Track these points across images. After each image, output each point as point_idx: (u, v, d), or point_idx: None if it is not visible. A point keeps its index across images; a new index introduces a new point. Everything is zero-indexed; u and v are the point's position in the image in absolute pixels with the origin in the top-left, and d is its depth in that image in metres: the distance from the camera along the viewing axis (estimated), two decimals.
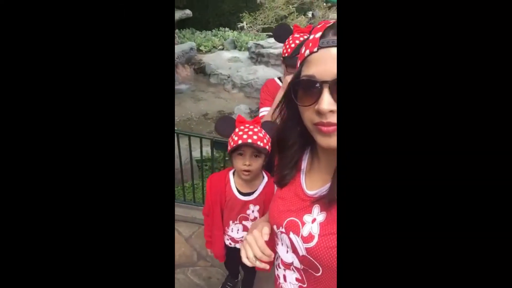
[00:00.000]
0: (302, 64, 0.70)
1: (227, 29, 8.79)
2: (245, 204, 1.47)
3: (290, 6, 9.02)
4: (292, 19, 8.91)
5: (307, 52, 0.67)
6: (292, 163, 0.82)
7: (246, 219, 1.50)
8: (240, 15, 9.01)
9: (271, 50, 6.58)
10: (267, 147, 1.32)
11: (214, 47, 7.68)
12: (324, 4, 9.70)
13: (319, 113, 0.63)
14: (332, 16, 9.19)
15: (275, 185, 0.89)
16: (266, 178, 1.53)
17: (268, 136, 1.34)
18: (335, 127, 0.63)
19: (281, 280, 0.84)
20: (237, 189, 1.49)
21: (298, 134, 0.80)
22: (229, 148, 1.35)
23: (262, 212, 1.46)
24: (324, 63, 0.63)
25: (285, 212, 0.80)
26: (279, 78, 1.71)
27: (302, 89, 0.67)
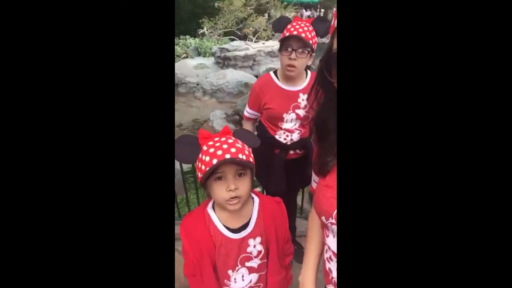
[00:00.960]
0: (333, 37, 0.64)
1: (187, 36, 8.64)
2: (243, 242, 1.08)
3: (248, 8, 9.05)
4: (252, 21, 8.94)
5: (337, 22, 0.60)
6: (334, 148, 0.73)
7: (250, 259, 1.11)
8: (200, 21, 8.91)
9: (237, 53, 6.53)
10: (250, 159, 0.98)
11: (177, 55, 7.50)
12: (280, 3, 9.84)
13: None
14: (288, 15, 9.33)
15: (317, 175, 0.83)
16: (257, 199, 1.14)
17: (247, 146, 1.01)
18: None
19: (334, 274, 0.78)
20: (225, 226, 1.06)
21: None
22: (199, 175, 0.96)
23: (265, 242, 1.11)
24: None
25: (334, 200, 0.73)
26: (275, 72, 1.63)
27: (335, 63, 0.59)
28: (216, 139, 1.00)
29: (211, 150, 0.95)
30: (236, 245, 1.08)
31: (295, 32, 1.45)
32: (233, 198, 0.98)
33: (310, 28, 1.50)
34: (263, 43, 7.20)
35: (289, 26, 1.49)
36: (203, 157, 0.96)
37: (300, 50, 1.45)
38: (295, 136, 1.64)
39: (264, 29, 8.80)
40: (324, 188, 0.77)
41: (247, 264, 1.11)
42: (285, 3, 10.05)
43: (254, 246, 1.11)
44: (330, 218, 0.73)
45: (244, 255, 1.10)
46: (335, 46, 0.61)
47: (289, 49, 1.46)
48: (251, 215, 1.11)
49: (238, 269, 1.10)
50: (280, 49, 1.51)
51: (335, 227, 0.72)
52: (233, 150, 0.95)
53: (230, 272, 1.09)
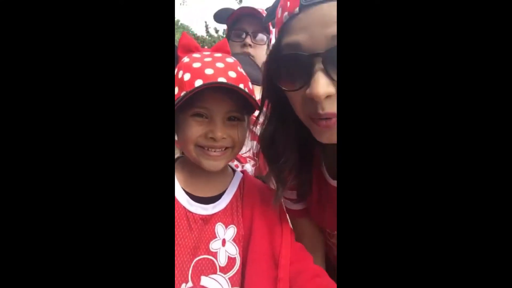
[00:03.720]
0: (281, 32, 0.53)
1: None
2: (207, 224, 0.64)
3: None
4: None
5: (286, 15, 0.50)
6: (286, 169, 0.63)
7: (212, 266, 0.62)
8: None
9: None
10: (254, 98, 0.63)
11: None
12: None
13: (312, 99, 0.48)
14: None
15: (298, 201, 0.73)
16: (239, 174, 0.74)
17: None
18: (335, 119, 0.49)
19: None
20: (186, 192, 0.66)
21: (293, 131, 0.60)
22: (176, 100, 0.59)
23: (242, 239, 0.65)
24: (312, 29, 0.47)
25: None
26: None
27: (285, 68, 0.51)
28: (207, 53, 0.65)
29: (196, 64, 0.60)
30: (196, 228, 0.62)
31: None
32: (213, 147, 0.62)
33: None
34: None
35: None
36: (180, 73, 0.60)
37: (258, 35, 1.22)
38: (248, 168, 1.08)
39: None
40: (317, 205, 0.70)
41: (204, 276, 0.60)
42: None
43: (224, 241, 0.63)
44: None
45: (204, 256, 0.61)
46: (285, 42, 0.51)
47: (242, 34, 1.23)
48: (227, 187, 0.69)
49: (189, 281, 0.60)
50: (228, 36, 1.24)
51: None
52: (232, 74, 0.59)
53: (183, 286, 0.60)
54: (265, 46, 1.24)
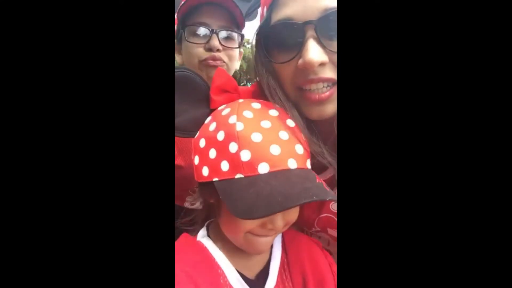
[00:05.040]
0: (270, 9, 0.52)
1: None
2: None
3: None
4: None
5: None
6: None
7: None
8: None
9: None
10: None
11: None
12: None
13: (304, 69, 0.48)
14: None
15: None
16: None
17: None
18: (331, 91, 0.50)
19: None
20: (239, 273, 0.57)
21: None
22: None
23: None
24: (303, 1, 0.47)
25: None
26: None
27: (276, 39, 0.51)
28: None
29: None
30: None
31: None
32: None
33: None
34: None
35: None
36: None
37: (225, 33, 0.84)
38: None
39: None
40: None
41: None
42: None
43: None
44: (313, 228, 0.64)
45: None
46: (275, 18, 0.51)
47: (206, 32, 0.85)
48: (270, 256, 0.61)
49: None
50: (179, 35, 0.81)
51: (322, 234, 0.65)
52: None
53: None
54: (237, 51, 0.87)
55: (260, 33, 0.55)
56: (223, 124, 0.49)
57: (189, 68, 0.65)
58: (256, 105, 0.52)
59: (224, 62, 0.83)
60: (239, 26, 0.87)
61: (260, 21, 0.57)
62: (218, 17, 0.82)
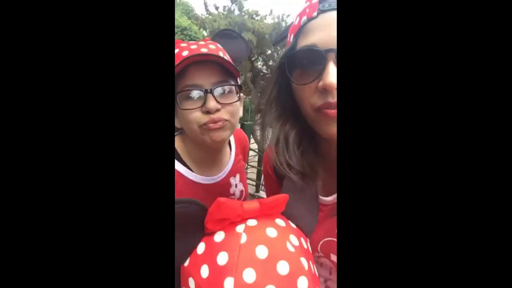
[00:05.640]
0: (297, 36, 0.58)
1: None
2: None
3: None
4: None
5: (304, 19, 0.57)
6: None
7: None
8: None
9: None
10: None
11: None
12: None
13: (325, 90, 0.52)
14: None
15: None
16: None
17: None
18: None
19: None
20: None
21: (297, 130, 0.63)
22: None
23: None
24: (327, 29, 0.52)
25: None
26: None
27: (300, 62, 0.55)
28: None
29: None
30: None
31: (203, 50, 0.75)
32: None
33: (219, 46, 0.82)
34: None
35: (177, 50, 0.77)
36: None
37: (220, 89, 0.76)
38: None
39: None
40: None
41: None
42: None
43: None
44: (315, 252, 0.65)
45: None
46: (301, 44, 0.56)
47: (199, 94, 0.76)
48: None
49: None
50: (177, 104, 0.74)
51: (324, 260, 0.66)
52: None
53: None
54: (237, 100, 0.78)
55: (285, 57, 0.59)
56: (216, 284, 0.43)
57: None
58: (263, 252, 0.44)
59: (226, 120, 0.74)
60: (234, 77, 0.78)
61: (287, 47, 0.61)
62: (209, 74, 0.74)
